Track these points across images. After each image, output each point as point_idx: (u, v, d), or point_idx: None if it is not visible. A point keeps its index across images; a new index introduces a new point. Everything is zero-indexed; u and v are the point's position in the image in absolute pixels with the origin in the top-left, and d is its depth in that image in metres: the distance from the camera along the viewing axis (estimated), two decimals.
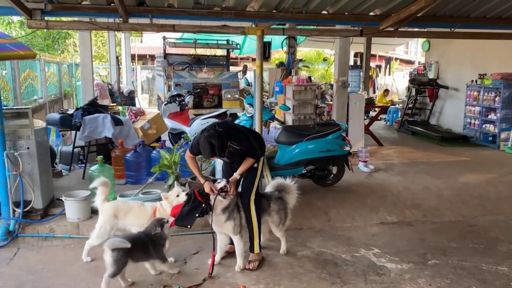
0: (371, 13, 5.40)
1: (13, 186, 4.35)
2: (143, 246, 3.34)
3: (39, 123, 5.11)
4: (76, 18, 5.11)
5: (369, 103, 9.74)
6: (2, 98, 4.40)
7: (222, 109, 8.01)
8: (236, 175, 3.68)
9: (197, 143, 3.53)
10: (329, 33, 6.10)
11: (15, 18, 13.04)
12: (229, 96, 8.86)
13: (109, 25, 4.71)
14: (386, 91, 15.01)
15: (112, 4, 4.38)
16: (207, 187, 3.57)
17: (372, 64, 16.41)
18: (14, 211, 4.39)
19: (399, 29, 5.60)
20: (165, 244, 3.48)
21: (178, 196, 3.83)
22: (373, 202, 5.35)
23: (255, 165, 3.75)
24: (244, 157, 3.69)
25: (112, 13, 4.58)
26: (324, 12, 5.23)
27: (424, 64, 12.22)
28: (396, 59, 21.48)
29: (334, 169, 5.72)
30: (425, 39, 11.95)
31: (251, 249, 3.80)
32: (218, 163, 4.92)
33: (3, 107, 4.36)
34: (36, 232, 4.37)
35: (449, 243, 4.37)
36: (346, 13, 5.29)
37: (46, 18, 4.37)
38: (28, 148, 4.44)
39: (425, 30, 7.14)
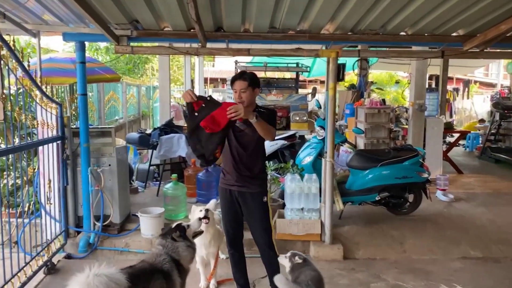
0: (454, 34, 5.12)
1: (94, 200, 4.61)
2: None
3: (120, 142, 5.40)
4: (156, 44, 5.40)
5: (447, 128, 9.22)
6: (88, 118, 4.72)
7: (291, 131, 7.99)
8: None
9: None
10: (407, 54, 5.84)
11: (102, 45, 14.15)
12: (298, 118, 8.82)
13: (188, 50, 4.89)
14: (482, 121, 14.14)
15: (192, 30, 4.57)
16: None
17: (449, 87, 15.58)
18: (94, 224, 4.64)
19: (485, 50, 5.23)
20: None
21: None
22: (453, 234, 4.96)
23: (265, 199, 3.24)
24: (257, 145, 3.18)
25: (191, 39, 4.77)
26: (402, 33, 5.04)
27: (509, 87, 11.36)
28: (475, 81, 20.26)
29: (411, 197, 5.41)
30: (509, 60, 11.15)
31: None
32: (287, 186, 4.85)
33: (89, 126, 4.68)
34: (113, 245, 4.58)
35: None
36: (426, 34, 5.06)
37: (131, 44, 4.66)
38: (109, 165, 4.70)
39: None
